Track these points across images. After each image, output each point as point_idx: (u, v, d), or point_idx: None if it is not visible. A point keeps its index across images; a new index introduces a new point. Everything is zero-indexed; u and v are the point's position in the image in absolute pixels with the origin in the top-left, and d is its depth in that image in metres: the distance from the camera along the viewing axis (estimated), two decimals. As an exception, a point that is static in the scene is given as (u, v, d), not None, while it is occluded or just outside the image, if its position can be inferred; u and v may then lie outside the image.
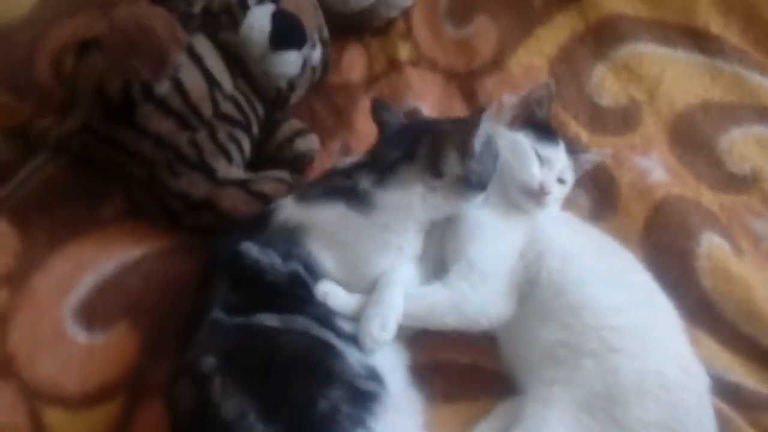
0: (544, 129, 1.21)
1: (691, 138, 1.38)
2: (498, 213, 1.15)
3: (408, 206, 1.09)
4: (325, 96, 1.46)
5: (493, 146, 1.14)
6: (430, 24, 1.57)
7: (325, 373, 0.95)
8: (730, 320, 1.17)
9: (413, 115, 1.40)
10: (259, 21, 1.24)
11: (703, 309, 1.17)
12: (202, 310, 1.01)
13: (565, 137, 1.26)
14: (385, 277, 1.08)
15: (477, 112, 1.08)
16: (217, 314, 0.99)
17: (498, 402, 1.08)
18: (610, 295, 1.07)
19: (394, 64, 1.51)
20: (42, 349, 1.10)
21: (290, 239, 1.07)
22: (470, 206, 1.13)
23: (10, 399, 1.06)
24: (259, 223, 1.10)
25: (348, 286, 1.07)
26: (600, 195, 1.30)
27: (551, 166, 1.16)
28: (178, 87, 1.16)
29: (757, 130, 1.39)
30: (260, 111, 1.31)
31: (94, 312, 1.14)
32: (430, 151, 1.10)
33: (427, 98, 1.45)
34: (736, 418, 1.07)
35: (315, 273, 1.06)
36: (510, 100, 1.38)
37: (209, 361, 0.94)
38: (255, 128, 1.29)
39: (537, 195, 1.14)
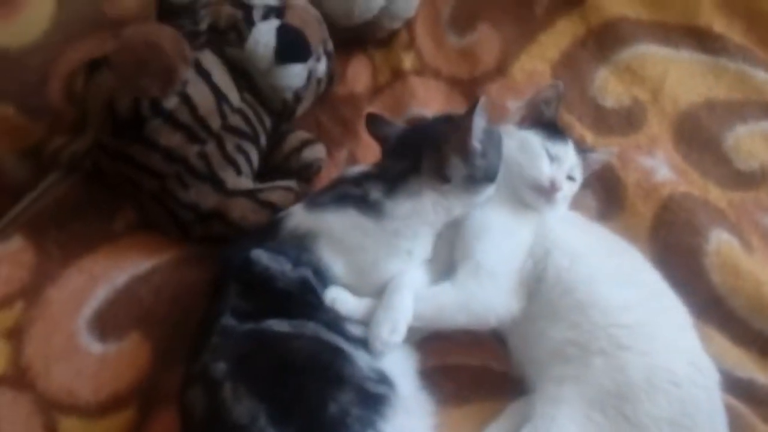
0: (553, 128, 1.22)
1: (697, 136, 1.38)
2: (506, 212, 1.16)
3: (421, 213, 1.11)
4: (330, 107, 1.48)
5: (494, 136, 1.15)
6: (433, 34, 1.59)
7: (335, 376, 0.96)
8: (741, 316, 1.17)
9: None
10: (264, 36, 1.26)
11: (713, 305, 1.17)
12: (213, 317, 1.02)
13: (572, 139, 1.27)
14: (394, 281, 1.09)
15: (468, 111, 1.09)
16: (228, 321, 1.01)
17: (508, 403, 1.08)
18: (619, 293, 1.07)
19: (398, 74, 1.53)
20: (56, 361, 1.12)
21: (300, 246, 1.08)
22: (484, 198, 1.14)
23: (26, 410, 1.08)
24: (269, 231, 1.12)
25: (357, 291, 1.08)
26: (607, 195, 1.30)
27: (561, 164, 1.17)
28: (186, 101, 1.18)
29: (764, 126, 1.39)
30: (267, 123, 1.33)
31: (107, 323, 1.16)
32: (433, 161, 1.12)
33: (432, 106, 1.46)
34: (749, 414, 1.06)
35: (324, 279, 1.07)
36: (514, 105, 1.40)
37: (220, 367, 0.95)
38: (263, 140, 1.31)
39: (547, 191, 1.14)
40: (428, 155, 1.12)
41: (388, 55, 1.57)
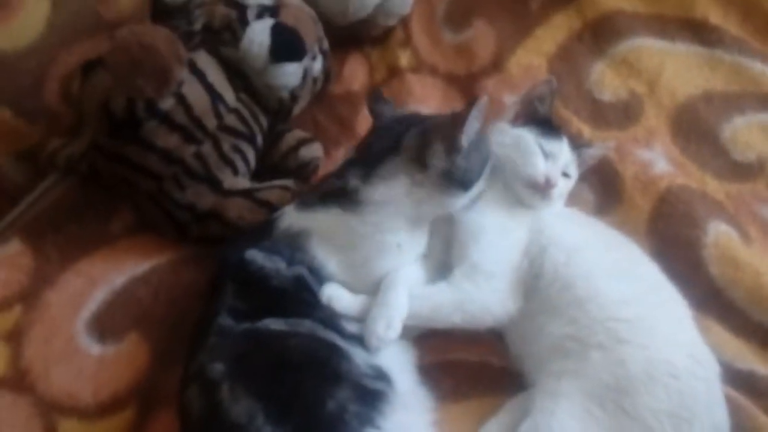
0: (547, 124, 1.21)
1: (694, 128, 1.37)
2: (502, 211, 1.15)
3: (394, 200, 1.09)
4: (327, 106, 1.48)
5: (483, 147, 1.13)
6: (429, 31, 1.59)
7: (331, 373, 0.96)
8: (740, 308, 1.16)
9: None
10: (258, 35, 1.26)
11: (712, 297, 1.17)
12: (210, 317, 1.02)
13: (567, 133, 1.26)
14: (389, 277, 1.08)
15: (467, 106, 1.08)
16: (225, 321, 1.01)
17: (508, 398, 1.07)
18: (617, 287, 1.06)
19: (394, 72, 1.53)
20: (56, 363, 1.12)
21: (294, 245, 1.08)
22: (454, 206, 1.12)
23: (25, 413, 1.08)
24: (264, 231, 1.12)
25: (353, 288, 1.08)
26: (604, 189, 1.30)
27: (556, 160, 1.17)
28: (182, 102, 1.18)
29: (762, 117, 1.39)
30: (264, 122, 1.33)
31: (106, 324, 1.16)
32: (416, 142, 1.10)
33: (429, 103, 1.46)
34: (749, 405, 1.06)
35: (319, 276, 1.07)
36: (511, 100, 1.39)
37: (217, 367, 0.95)
38: (259, 140, 1.31)
39: (543, 188, 1.14)
40: (413, 136, 1.11)
41: (385, 53, 1.57)
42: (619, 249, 1.16)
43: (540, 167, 1.15)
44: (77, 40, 1.35)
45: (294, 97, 1.34)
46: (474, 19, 1.58)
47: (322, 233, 1.09)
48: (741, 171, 1.32)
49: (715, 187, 1.30)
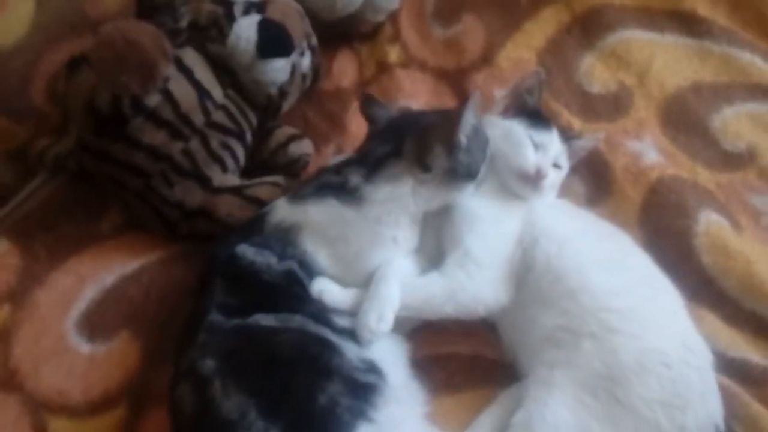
0: (536, 116, 1.22)
1: (684, 119, 1.38)
2: (494, 202, 1.15)
3: (399, 199, 1.09)
4: (317, 103, 1.47)
5: (480, 135, 1.14)
6: (418, 26, 1.58)
7: (323, 368, 0.95)
8: (733, 296, 1.17)
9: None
10: (245, 31, 1.25)
11: (705, 286, 1.17)
12: (200, 314, 1.01)
13: (557, 126, 1.26)
14: (380, 270, 1.08)
15: (460, 105, 1.09)
16: (215, 317, 1.00)
17: (501, 390, 1.07)
18: (608, 278, 1.06)
19: (384, 68, 1.53)
20: (45, 361, 1.12)
21: (285, 239, 1.08)
22: (462, 196, 1.13)
23: (15, 412, 1.08)
24: (254, 226, 1.12)
25: (344, 282, 1.08)
26: (595, 180, 1.30)
27: (546, 151, 1.17)
28: (169, 98, 1.18)
29: (750, 107, 1.39)
30: (252, 119, 1.32)
31: (96, 323, 1.16)
32: (416, 146, 1.11)
33: (418, 98, 1.46)
34: (743, 393, 1.06)
35: (310, 271, 1.07)
36: (500, 94, 1.39)
37: (209, 364, 0.95)
38: (248, 136, 1.31)
39: (534, 179, 1.14)
40: (412, 140, 1.11)
41: (374, 49, 1.56)
42: (610, 240, 1.16)
43: (530, 158, 1.14)
44: (63, 39, 1.35)
45: (282, 93, 1.33)
46: (463, 14, 1.58)
47: (314, 226, 1.08)
48: (731, 160, 1.33)
49: (705, 176, 1.30)
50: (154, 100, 1.16)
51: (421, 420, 1.02)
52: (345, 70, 1.54)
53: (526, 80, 1.24)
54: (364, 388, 0.96)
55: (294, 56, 1.31)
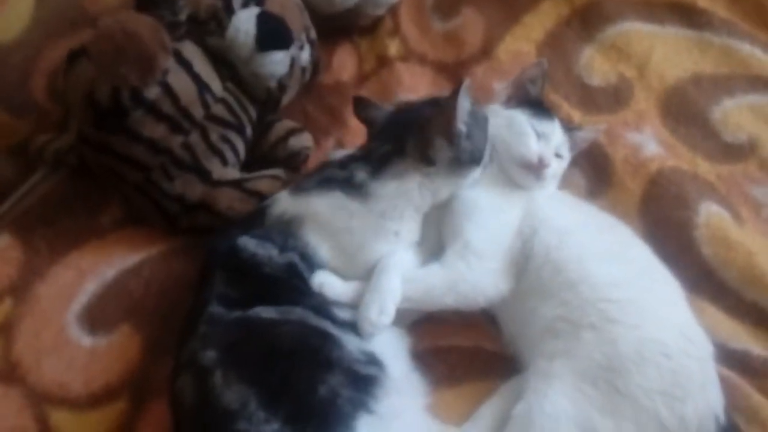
0: (539, 106, 1.22)
1: (684, 111, 1.38)
2: (494, 192, 1.16)
3: (406, 194, 1.10)
4: (317, 97, 1.47)
5: (479, 118, 1.14)
6: (417, 20, 1.58)
7: (323, 360, 0.96)
8: (733, 288, 1.17)
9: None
10: (244, 24, 1.26)
11: (705, 278, 1.17)
12: (201, 305, 1.02)
13: (559, 117, 1.26)
14: (382, 262, 1.08)
15: (452, 93, 1.08)
16: (216, 309, 1.00)
17: (501, 382, 1.08)
18: (608, 270, 1.06)
19: (383, 61, 1.52)
20: (47, 354, 1.12)
21: (286, 231, 1.08)
22: (471, 180, 1.14)
23: (16, 404, 1.08)
24: (256, 219, 1.12)
25: (345, 275, 1.08)
26: (595, 172, 1.30)
27: (548, 141, 1.17)
28: (168, 91, 1.17)
29: (751, 99, 1.39)
30: (252, 113, 1.32)
31: (97, 316, 1.16)
32: (418, 143, 1.11)
33: (418, 91, 1.45)
34: (744, 384, 1.07)
35: (312, 263, 1.07)
36: (500, 86, 1.39)
37: (210, 355, 0.95)
38: (248, 130, 1.31)
39: (536, 168, 1.14)
40: (413, 138, 1.12)
41: (373, 43, 1.56)
42: (610, 232, 1.16)
43: (533, 147, 1.15)
44: (63, 34, 1.35)
45: (282, 86, 1.33)
46: (462, 7, 1.58)
47: (316, 219, 1.08)
48: (732, 152, 1.33)
49: (706, 168, 1.30)
50: (153, 92, 1.16)
51: (421, 412, 1.02)
52: (344, 63, 1.54)
53: (529, 70, 1.24)
54: (364, 380, 0.96)
55: (293, 49, 1.31)
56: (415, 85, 1.48)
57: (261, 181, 1.24)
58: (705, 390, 0.99)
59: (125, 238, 1.26)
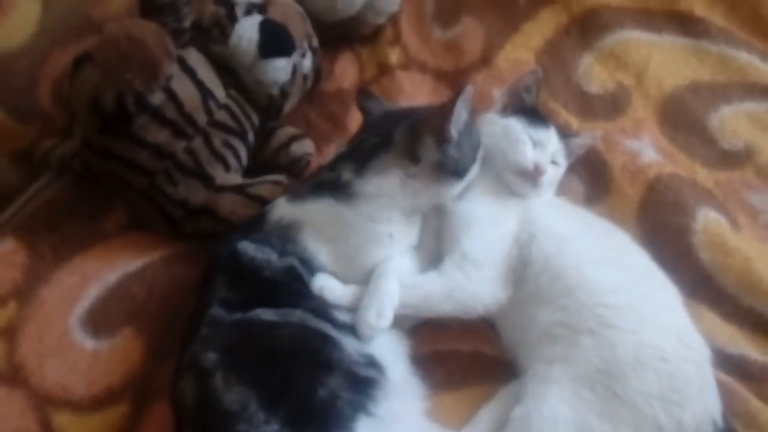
0: (534, 114, 1.23)
1: (682, 118, 1.39)
2: (491, 201, 1.16)
3: (388, 193, 1.10)
4: (319, 104, 1.49)
5: (473, 135, 1.15)
6: (418, 28, 1.60)
7: (323, 362, 0.97)
8: (730, 293, 1.17)
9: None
10: (247, 31, 1.27)
11: (703, 284, 1.18)
12: (202, 308, 1.03)
13: (556, 125, 1.27)
14: (380, 266, 1.09)
15: (453, 97, 1.09)
16: (217, 311, 1.02)
17: (500, 387, 1.08)
18: (606, 276, 1.07)
19: (384, 69, 1.54)
20: (50, 357, 1.13)
21: (285, 237, 1.09)
22: (449, 194, 1.13)
23: (20, 406, 1.09)
24: (256, 224, 1.13)
25: (344, 278, 1.09)
26: (593, 179, 1.31)
27: (544, 148, 1.18)
28: (172, 97, 1.19)
29: (748, 106, 1.40)
30: (255, 119, 1.34)
31: (100, 320, 1.17)
32: (407, 136, 1.12)
33: (419, 99, 1.47)
34: (741, 389, 1.07)
35: (310, 267, 1.08)
36: (499, 94, 1.40)
37: (210, 357, 0.96)
38: (251, 136, 1.32)
39: (532, 176, 1.15)
40: (403, 130, 1.12)
41: (374, 51, 1.58)
42: (608, 238, 1.16)
43: (529, 155, 1.16)
44: (69, 41, 1.37)
45: (284, 93, 1.35)
46: (462, 16, 1.59)
47: (313, 224, 1.09)
48: (729, 159, 1.34)
49: (704, 175, 1.31)
50: (157, 98, 1.17)
51: (421, 415, 1.03)
52: (346, 71, 1.55)
53: (524, 79, 1.25)
54: (364, 382, 0.97)
55: (295, 56, 1.33)
56: (415, 92, 1.49)
57: (263, 186, 1.26)
58: (703, 395, 0.99)
59: (129, 242, 1.27)
